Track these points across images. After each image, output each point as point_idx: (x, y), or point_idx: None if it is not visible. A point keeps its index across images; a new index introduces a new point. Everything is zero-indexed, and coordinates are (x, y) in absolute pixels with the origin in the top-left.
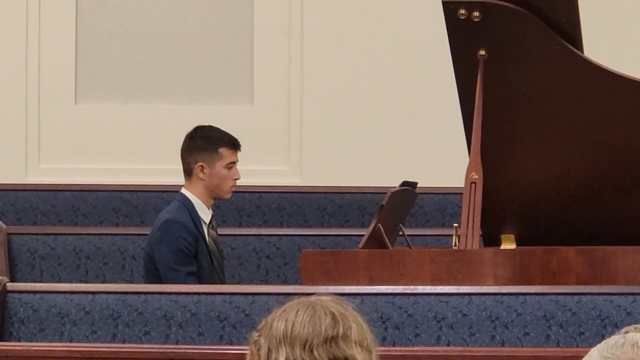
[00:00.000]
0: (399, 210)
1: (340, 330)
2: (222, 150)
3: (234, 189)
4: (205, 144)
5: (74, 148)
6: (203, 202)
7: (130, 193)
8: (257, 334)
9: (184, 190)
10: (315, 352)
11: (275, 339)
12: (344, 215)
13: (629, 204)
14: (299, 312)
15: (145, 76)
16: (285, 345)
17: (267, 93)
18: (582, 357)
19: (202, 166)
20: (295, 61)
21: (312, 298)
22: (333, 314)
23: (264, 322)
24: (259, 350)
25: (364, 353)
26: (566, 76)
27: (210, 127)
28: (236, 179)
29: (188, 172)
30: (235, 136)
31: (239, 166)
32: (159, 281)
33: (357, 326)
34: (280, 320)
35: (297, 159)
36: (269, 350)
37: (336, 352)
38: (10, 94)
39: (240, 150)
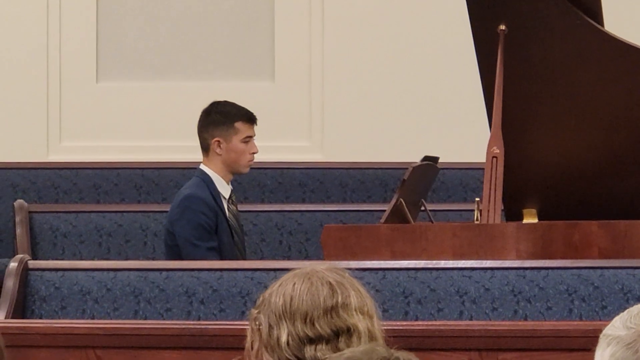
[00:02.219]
0: (420, 185)
1: (339, 300)
2: (238, 125)
3: (251, 163)
4: (221, 118)
5: (95, 126)
6: (222, 177)
7: (152, 170)
8: (256, 311)
9: (202, 166)
10: (317, 324)
11: (275, 314)
12: (365, 190)
13: None
14: (296, 285)
15: (167, 54)
16: (285, 321)
17: (288, 69)
18: None
19: (218, 141)
20: (316, 37)
21: (308, 269)
22: (330, 284)
23: (261, 298)
24: (259, 327)
25: (366, 320)
26: (587, 51)
27: (225, 102)
28: (254, 153)
29: (205, 148)
30: (257, 113)
31: (260, 142)
32: (180, 258)
33: (356, 293)
34: (278, 295)
35: (319, 135)
36: (270, 326)
37: (338, 323)
38: (32, 72)
39: (256, 124)
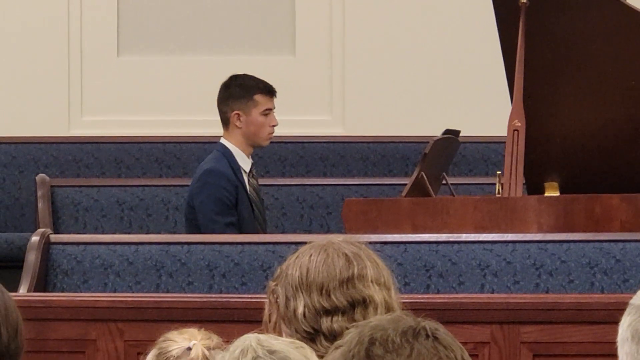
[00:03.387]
0: (442, 159)
1: (355, 271)
2: (257, 97)
3: (272, 136)
4: (241, 91)
5: (116, 100)
6: (242, 151)
7: (173, 144)
8: (274, 283)
9: (223, 140)
10: (332, 296)
11: (292, 286)
12: (387, 164)
13: None
14: (312, 257)
15: (187, 28)
16: (302, 292)
17: (309, 43)
18: (627, 303)
19: (238, 114)
20: (337, 10)
21: (324, 240)
22: (346, 255)
23: (279, 271)
24: (276, 299)
25: (382, 291)
26: (608, 23)
27: (245, 75)
28: (274, 126)
29: (225, 122)
30: (277, 87)
31: (281, 116)
32: (200, 231)
33: (372, 264)
34: (295, 267)
35: (340, 109)
36: (287, 298)
37: (354, 294)
38: (53, 47)
39: (276, 97)
